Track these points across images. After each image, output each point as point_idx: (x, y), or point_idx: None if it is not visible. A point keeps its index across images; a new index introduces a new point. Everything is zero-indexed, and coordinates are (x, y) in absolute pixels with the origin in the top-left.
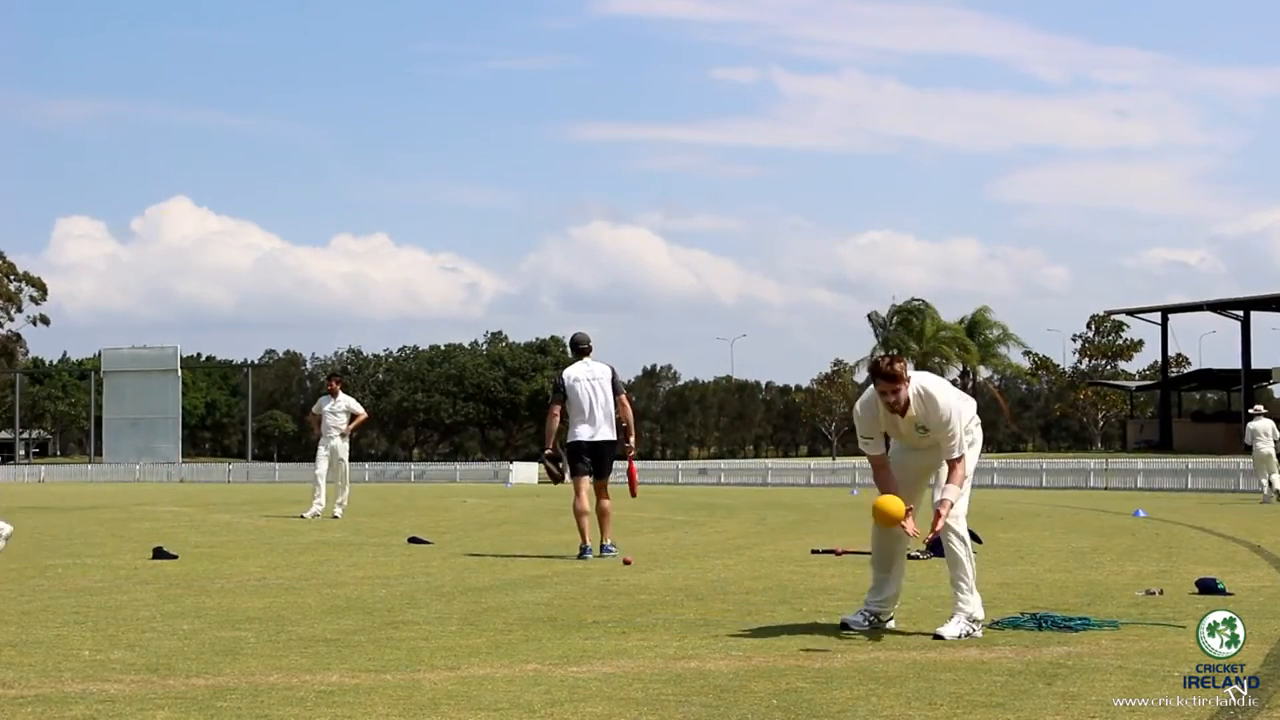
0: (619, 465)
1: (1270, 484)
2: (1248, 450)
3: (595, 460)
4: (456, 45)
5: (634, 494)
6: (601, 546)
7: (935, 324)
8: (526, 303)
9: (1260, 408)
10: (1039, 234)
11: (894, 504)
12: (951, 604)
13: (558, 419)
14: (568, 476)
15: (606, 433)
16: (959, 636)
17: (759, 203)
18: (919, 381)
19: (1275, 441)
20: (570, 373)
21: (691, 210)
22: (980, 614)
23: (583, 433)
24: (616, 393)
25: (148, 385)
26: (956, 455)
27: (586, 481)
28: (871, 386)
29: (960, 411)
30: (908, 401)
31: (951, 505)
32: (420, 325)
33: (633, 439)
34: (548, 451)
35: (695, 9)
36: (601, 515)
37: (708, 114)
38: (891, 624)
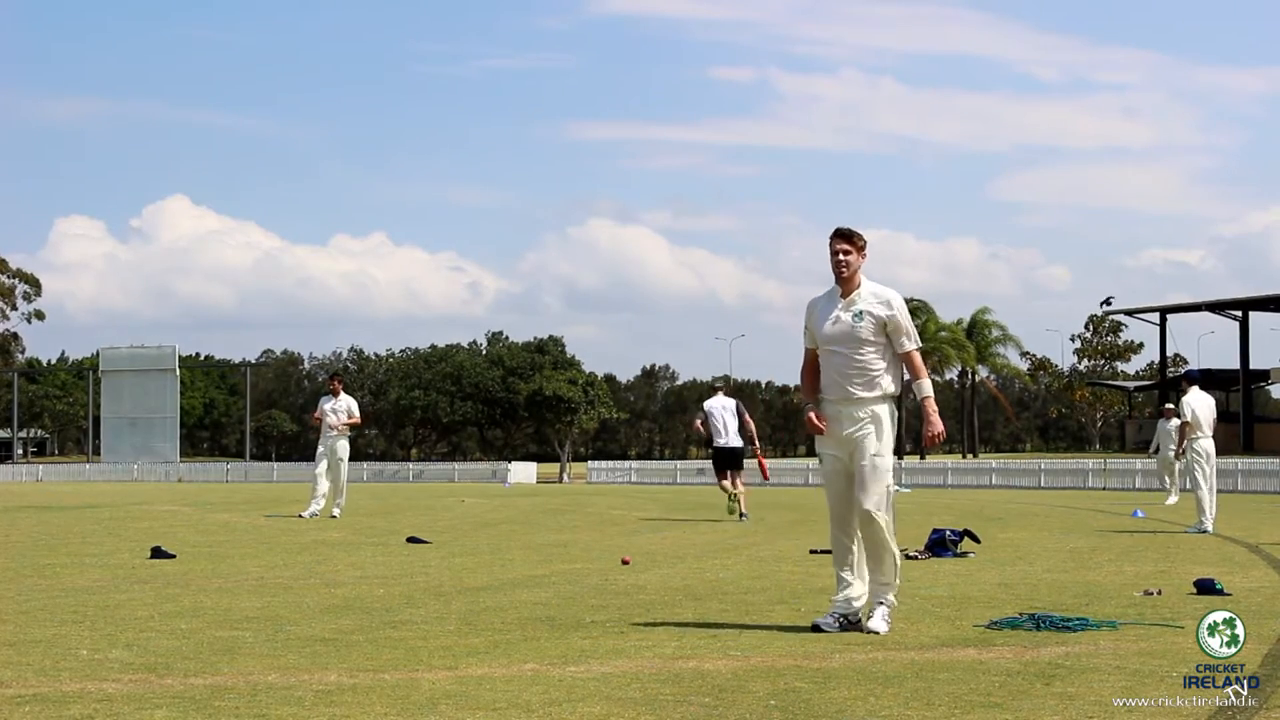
0: (750, 463)
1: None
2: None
3: (730, 459)
4: (454, 45)
5: (765, 478)
6: (740, 514)
7: (935, 324)
8: (529, 302)
9: (1171, 405)
10: (1039, 234)
11: None
12: (872, 594)
13: (701, 430)
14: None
15: (736, 441)
16: (887, 631)
17: (758, 202)
18: (876, 284)
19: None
20: (710, 404)
21: (692, 210)
22: (896, 604)
23: (720, 443)
24: (741, 415)
25: (146, 384)
26: (913, 345)
27: (727, 475)
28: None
29: (910, 320)
30: (856, 281)
31: (931, 399)
32: (423, 324)
33: (756, 443)
34: (712, 445)
35: (693, 8)
36: (739, 494)
37: (706, 113)
38: (862, 624)
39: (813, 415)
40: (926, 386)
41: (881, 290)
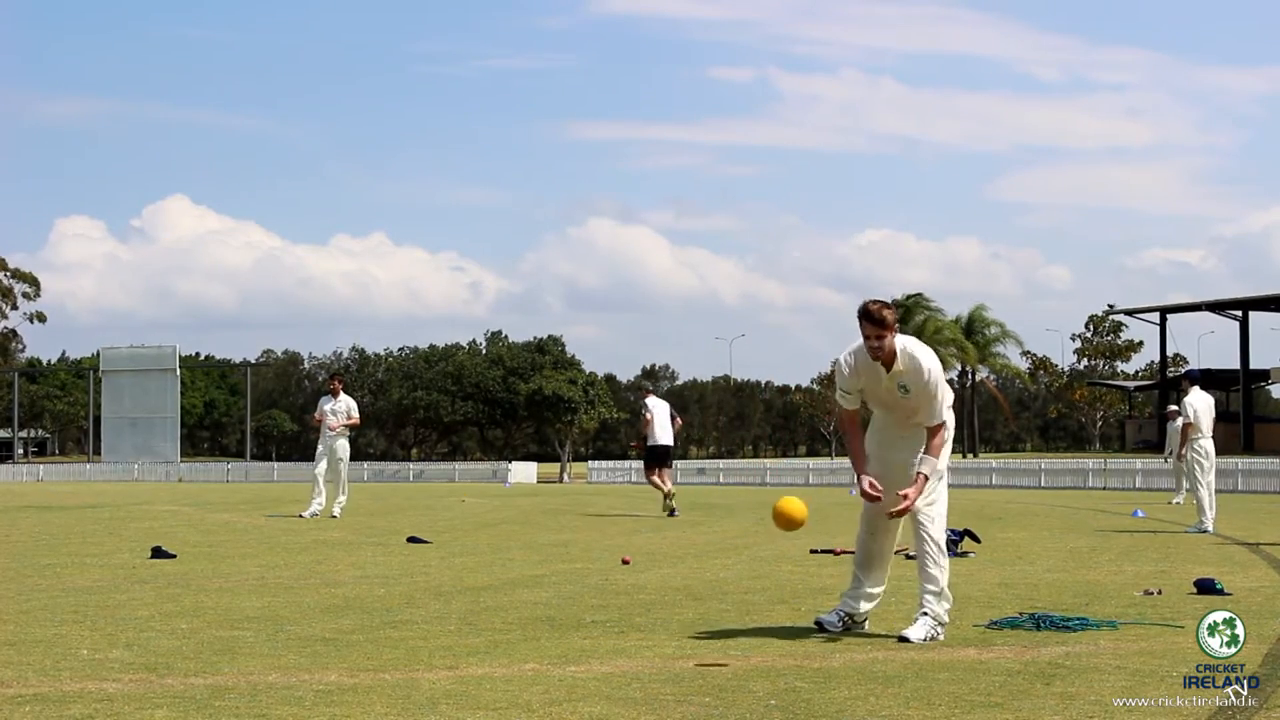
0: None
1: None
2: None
3: (665, 455)
4: (454, 45)
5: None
6: (672, 511)
7: (935, 323)
8: (530, 302)
9: (1175, 407)
10: (1039, 234)
11: (793, 507)
12: (917, 605)
13: (647, 428)
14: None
15: (669, 439)
16: (924, 639)
17: (759, 202)
18: (905, 341)
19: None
20: (650, 402)
21: (693, 210)
22: (946, 619)
23: (659, 439)
24: (674, 417)
25: (146, 384)
26: (936, 421)
27: (659, 468)
28: (859, 341)
29: (942, 379)
30: (892, 354)
31: (927, 478)
32: (423, 324)
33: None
34: (649, 443)
35: (692, 8)
36: (664, 484)
37: (706, 113)
38: (865, 626)
39: (868, 486)
40: (929, 465)
41: (916, 355)
